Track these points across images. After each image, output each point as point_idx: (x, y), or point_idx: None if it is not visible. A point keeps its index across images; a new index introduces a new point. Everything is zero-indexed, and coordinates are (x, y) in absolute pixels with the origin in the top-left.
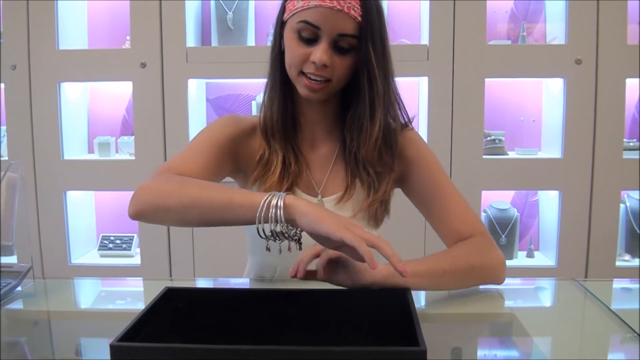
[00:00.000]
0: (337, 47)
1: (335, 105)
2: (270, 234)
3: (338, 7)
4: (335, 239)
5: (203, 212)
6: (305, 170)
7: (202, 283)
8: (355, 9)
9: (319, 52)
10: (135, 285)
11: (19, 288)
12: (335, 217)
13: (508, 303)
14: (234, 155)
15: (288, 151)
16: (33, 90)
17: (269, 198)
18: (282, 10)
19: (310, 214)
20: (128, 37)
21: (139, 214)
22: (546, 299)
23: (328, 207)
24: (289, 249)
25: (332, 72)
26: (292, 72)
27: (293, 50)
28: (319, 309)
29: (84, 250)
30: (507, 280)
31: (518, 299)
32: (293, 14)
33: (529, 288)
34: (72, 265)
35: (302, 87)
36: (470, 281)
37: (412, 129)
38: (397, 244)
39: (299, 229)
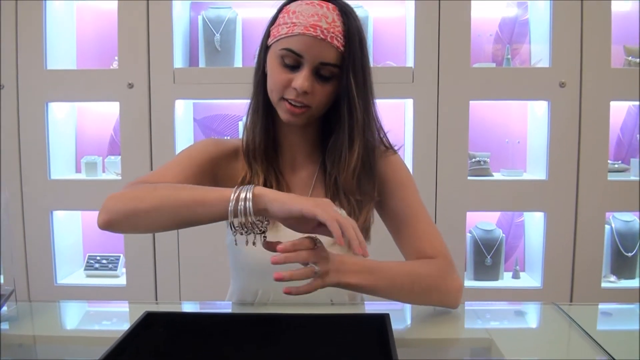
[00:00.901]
0: (319, 74)
1: (317, 130)
2: (239, 226)
3: (321, 36)
4: (309, 216)
5: (175, 212)
6: (285, 191)
7: (187, 306)
8: (338, 38)
9: (300, 79)
10: (120, 307)
11: (4, 308)
12: (305, 197)
13: (486, 327)
14: (212, 177)
15: (269, 174)
16: (21, 110)
17: (238, 191)
18: (267, 35)
19: (280, 199)
20: (116, 58)
21: (109, 222)
22: (525, 323)
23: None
24: (254, 243)
25: (312, 98)
26: (273, 96)
27: (275, 75)
28: (299, 334)
29: (70, 270)
30: (487, 304)
31: (497, 323)
32: (277, 40)
33: (508, 311)
34: (58, 286)
35: (283, 112)
36: (424, 299)
37: (395, 153)
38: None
39: (265, 222)
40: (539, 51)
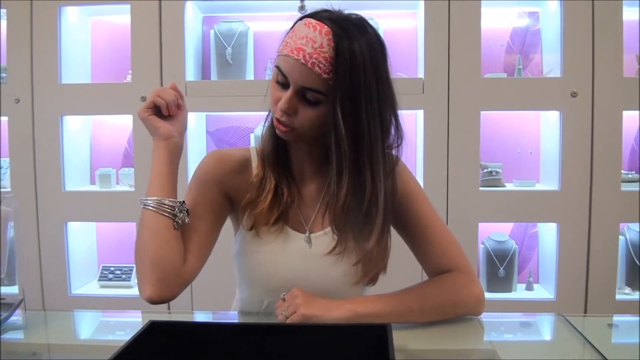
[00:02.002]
0: (304, 98)
1: (321, 147)
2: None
3: (302, 60)
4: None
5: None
6: (297, 203)
7: (197, 315)
8: (321, 65)
9: (283, 100)
10: (132, 316)
11: (18, 317)
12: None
13: (489, 337)
14: (224, 194)
15: (281, 180)
16: (36, 123)
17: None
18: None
19: None
20: (130, 72)
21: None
22: (530, 334)
23: (315, 243)
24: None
25: (294, 120)
26: (272, 113)
27: (271, 91)
28: (302, 344)
29: (84, 281)
30: (492, 315)
31: (500, 333)
32: (277, 56)
33: (513, 322)
34: (72, 296)
35: (275, 128)
36: (440, 317)
37: (401, 164)
38: (395, 270)
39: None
40: (550, 61)
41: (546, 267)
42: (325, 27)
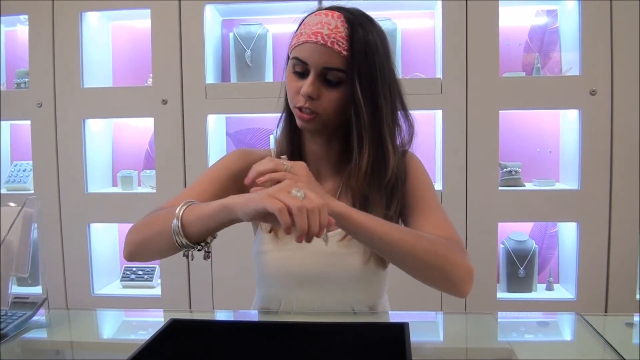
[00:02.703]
0: (326, 80)
1: (340, 142)
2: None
3: (322, 41)
4: (263, 211)
5: (166, 236)
6: None
7: (218, 314)
8: (340, 43)
9: (306, 85)
10: (154, 315)
11: (42, 316)
12: (263, 191)
13: (506, 337)
14: (237, 190)
15: None
16: (58, 126)
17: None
18: (290, 45)
19: (240, 202)
20: (151, 75)
21: (129, 254)
22: (549, 334)
23: (332, 242)
24: (192, 257)
25: (318, 104)
26: (291, 106)
27: (289, 84)
28: (317, 342)
29: (106, 281)
30: (510, 315)
31: (518, 333)
32: (291, 50)
33: (530, 322)
34: (95, 296)
35: (297, 119)
36: (425, 267)
37: (411, 152)
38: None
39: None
40: (569, 59)
41: (566, 267)
42: (336, 12)
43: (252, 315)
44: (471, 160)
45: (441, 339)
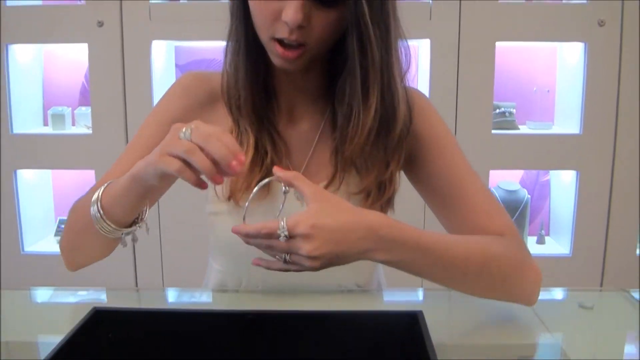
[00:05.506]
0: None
1: (322, 70)
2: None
3: None
4: (165, 173)
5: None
6: (284, 155)
7: (173, 294)
8: None
9: (292, 10)
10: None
11: None
12: (155, 151)
13: (551, 328)
14: None
15: (261, 132)
16: None
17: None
18: None
19: (143, 166)
20: None
21: (71, 264)
22: (594, 319)
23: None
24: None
25: (309, 34)
26: (261, 35)
27: (259, 6)
28: (298, 340)
29: (39, 236)
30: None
31: (561, 323)
32: None
33: (570, 303)
34: (26, 254)
35: (275, 57)
36: (494, 291)
37: (416, 91)
38: None
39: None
40: None
41: (559, 218)
42: None
43: (204, 297)
44: (462, 99)
45: (459, 332)
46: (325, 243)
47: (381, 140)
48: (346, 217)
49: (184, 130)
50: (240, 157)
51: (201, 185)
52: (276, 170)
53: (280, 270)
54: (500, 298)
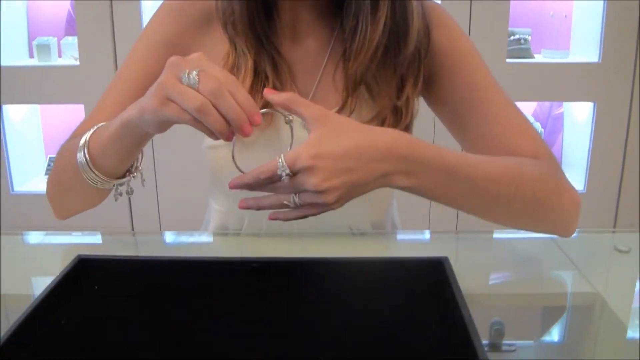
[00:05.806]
0: None
1: None
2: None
3: None
4: (165, 121)
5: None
6: (288, 78)
7: (170, 237)
8: None
9: None
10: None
11: None
12: (148, 94)
13: (585, 273)
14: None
15: (260, 54)
16: None
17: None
18: None
19: (138, 115)
20: None
21: (59, 213)
22: (632, 263)
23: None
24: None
25: None
26: None
27: None
28: (308, 291)
29: (29, 175)
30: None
31: (596, 268)
32: None
33: (606, 249)
34: (16, 194)
35: None
36: (529, 219)
37: (439, 6)
38: None
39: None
40: None
41: (573, 153)
42: None
43: (204, 239)
44: (475, 25)
45: (488, 282)
46: (333, 173)
47: (390, 59)
48: (356, 140)
49: (187, 73)
50: (256, 117)
51: (213, 135)
52: (267, 93)
53: (297, 218)
54: (534, 227)
